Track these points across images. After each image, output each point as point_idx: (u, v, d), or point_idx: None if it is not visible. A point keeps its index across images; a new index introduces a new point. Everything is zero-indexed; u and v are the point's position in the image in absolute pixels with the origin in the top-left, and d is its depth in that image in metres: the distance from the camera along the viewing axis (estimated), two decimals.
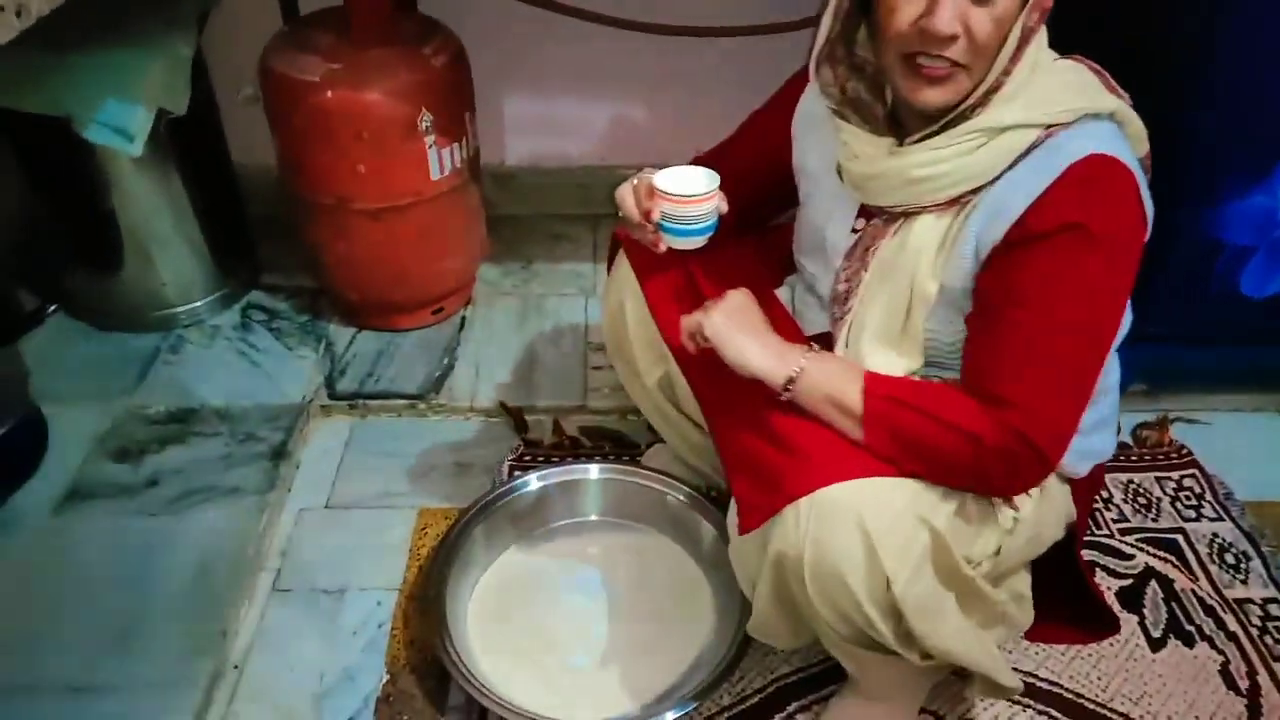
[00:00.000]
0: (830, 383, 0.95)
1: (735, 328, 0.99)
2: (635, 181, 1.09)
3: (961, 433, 0.90)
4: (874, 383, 0.95)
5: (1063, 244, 0.89)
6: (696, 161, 1.14)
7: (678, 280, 1.15)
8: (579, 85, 1.98)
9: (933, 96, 0.90)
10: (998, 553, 1.03)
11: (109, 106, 1.40)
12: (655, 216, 1.05)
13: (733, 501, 1.01)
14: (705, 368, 1.04)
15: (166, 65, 1.46)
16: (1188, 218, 1.37)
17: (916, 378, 1.01)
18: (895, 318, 1.00)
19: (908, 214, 0.97)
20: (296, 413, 1.56)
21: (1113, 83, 0.97)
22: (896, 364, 1.00)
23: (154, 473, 1.44)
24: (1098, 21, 1.24)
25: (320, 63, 1.47)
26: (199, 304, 1.74)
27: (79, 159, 1.54)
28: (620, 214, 1.11)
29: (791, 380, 0.95)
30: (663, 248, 1.08)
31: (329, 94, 1.46)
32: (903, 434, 0.92)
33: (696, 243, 1.07)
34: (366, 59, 1.49)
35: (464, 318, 1.82)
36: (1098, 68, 0.97)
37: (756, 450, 0.97)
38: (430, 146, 1.54)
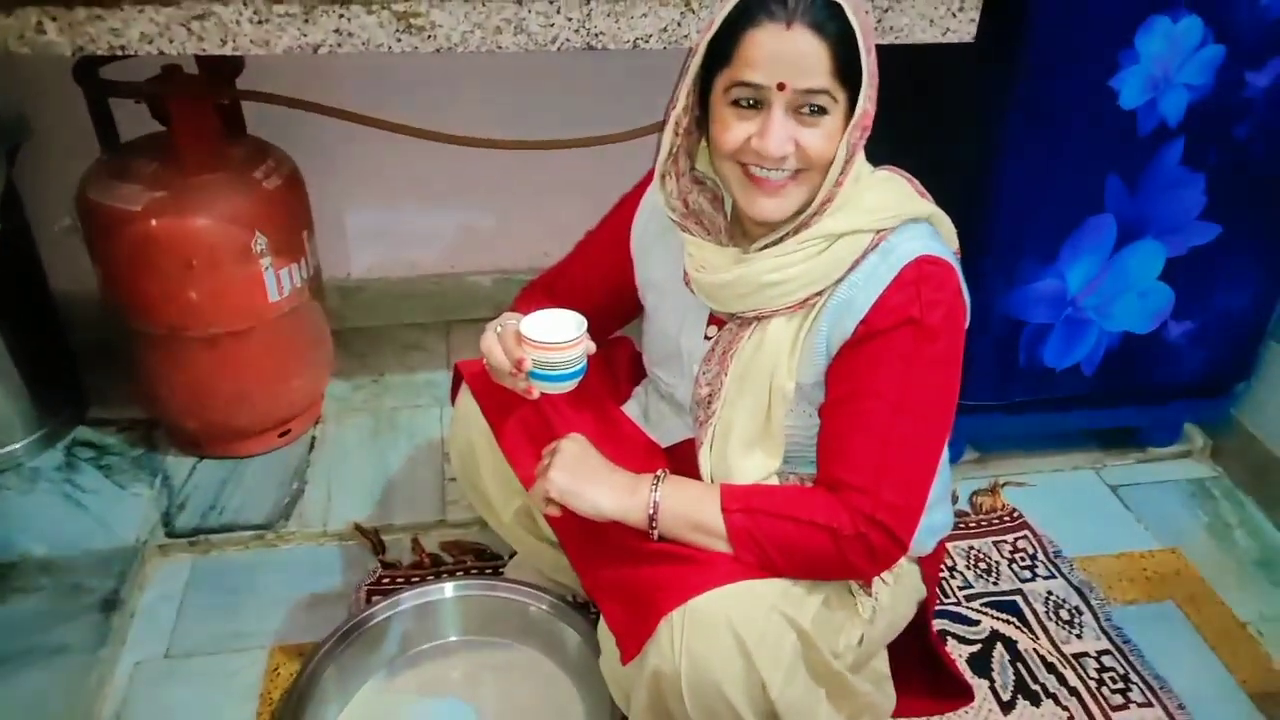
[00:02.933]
0: (688, 508, 0.97)
1: (579, 480, 1.00)
2: (499, 329, 1.06)
3: (819, 527, 0.94)
4: (730, 497, 0.97)
5: (901, 337, 0.96)
6: (534, 286, 1.14)
7: (529, 418, 1.14)
8: (421, 196, 1.99)
9: (770, 208, 0.95)
10: (860, 643, 1.07)
11: None
12: (528, 366, 1.02)
13: (602, 626, 1.01)
14: (564, 517, 1.04)
15: None
16: (992, 300, 1.50)
17: (777, 477, 1.05)
18: (758, 417, 1.03)
19: (760, 317, 1.01)
20: (130, 556, 1.46)
21: (921, 188, 1.06)
22: (762, 463, 1.03)
23: None
24: (905, 135, 1.36)
25: (143, 191, 1.43)
26: (17, 446, 1.62)
27: None
28: (487, 364, 1.07)
29: (652, 519, 0.97)
30: (535, 394, 1.05)
31: (153, 223, 1.42)
32: (766, 540, 0.96)
33: (569, 387, 1.04)
34: (193, 185, 1.45)
35: (313, 438, 1.76)
36: (908, 176, 1.06)
37: (624, 577, 0.99)
38: (266, 269, 1.52)
